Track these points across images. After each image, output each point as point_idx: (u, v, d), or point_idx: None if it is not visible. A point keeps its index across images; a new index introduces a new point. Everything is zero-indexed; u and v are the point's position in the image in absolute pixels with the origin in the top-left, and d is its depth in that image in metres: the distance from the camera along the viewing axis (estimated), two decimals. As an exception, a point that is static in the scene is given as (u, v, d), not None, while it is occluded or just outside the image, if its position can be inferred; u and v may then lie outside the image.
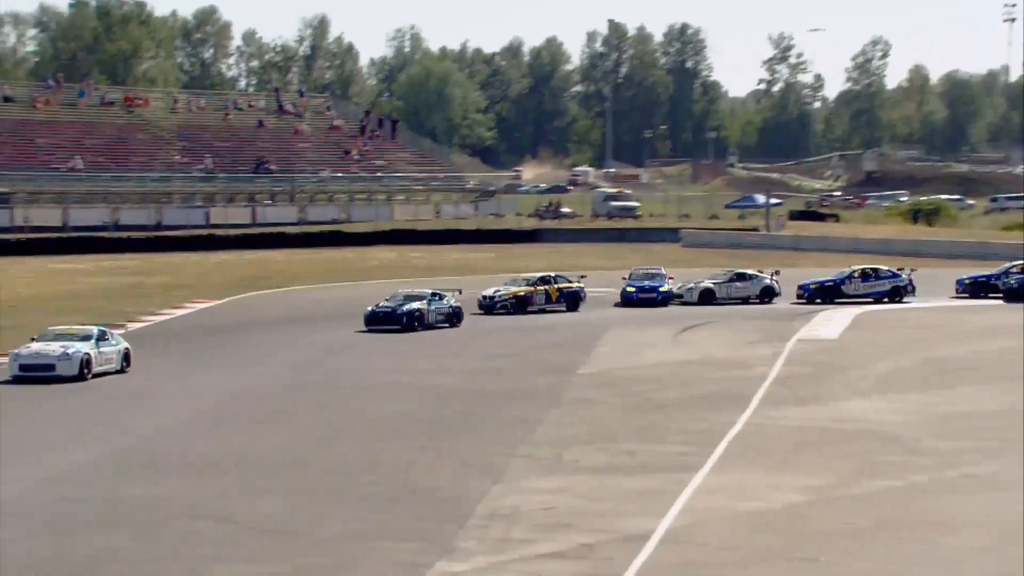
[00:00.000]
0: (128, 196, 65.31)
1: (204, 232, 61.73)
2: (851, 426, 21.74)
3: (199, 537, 15.26)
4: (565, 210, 79.12)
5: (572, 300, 38.34)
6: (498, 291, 37.59)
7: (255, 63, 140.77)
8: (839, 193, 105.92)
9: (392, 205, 73.83)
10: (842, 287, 41.19)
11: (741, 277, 41.49)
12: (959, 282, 43.75)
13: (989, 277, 43.96)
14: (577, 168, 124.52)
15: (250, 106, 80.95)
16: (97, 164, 67.01)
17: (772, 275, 41.74)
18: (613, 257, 57.40)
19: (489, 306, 37.20)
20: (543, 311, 37.64)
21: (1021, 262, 44.48)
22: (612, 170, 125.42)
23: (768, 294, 41.15)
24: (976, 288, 43.22)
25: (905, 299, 40.99)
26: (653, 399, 24.48)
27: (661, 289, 39.99)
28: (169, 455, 19.76)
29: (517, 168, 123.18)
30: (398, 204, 74.39)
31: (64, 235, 58.21)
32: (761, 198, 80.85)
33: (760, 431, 21.35)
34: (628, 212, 79.08)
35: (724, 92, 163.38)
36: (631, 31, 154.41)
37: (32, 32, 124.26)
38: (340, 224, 67.53)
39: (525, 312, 37.03)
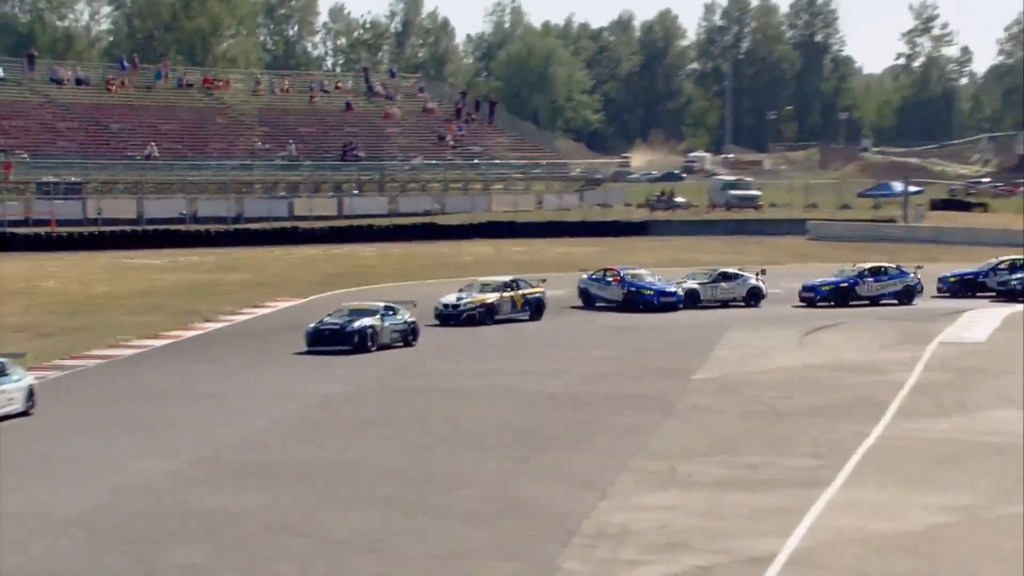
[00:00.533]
0: (206, 186, 66.42)
1: (287, 225, 62.61)
2: (999, 439, 21.39)
3: (283, 553, 15.53)
4: (679, 200, 78.74)
5: (536, 308, 36.92)
6: (461, 298, 35.78)
7: (342, 41, 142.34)
8: (988, 180, 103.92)
9: (489, 195, 74.12)
10: (855, 288, 41.08)
11: (727, 277, 40.75)
12: (942, 280, 42.78)
13: (976, 274, 43.11)
14: (692, 154, 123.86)
15: (337, 88, 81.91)
16: (173, 151, 68.32)
17: (757, 275, 41.05)
18: (731, 251, 56.98)
19: (451, 316, 35.27)
20: (511, 320, 36.13)
21: (1010, 258, 43.75)
22: (731, 156, 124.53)
23: (754, 296, 40.43)
24: (962, 287, 42.48)
25: (914, 300, 40.95)
26: (777, 407, 24.38)
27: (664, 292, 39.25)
28: (252, 464, 20.13)
29: (626, 154, 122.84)
30: (496, 194, 74.66)
31: (138, 228, 59.49)
32: (899, 186, 79.63)
33: (897, 444, 21.09)
34: (749, 202, 78.46)
35: (857, 68, 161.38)
36: (753, 2, 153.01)
37: (106, 10, 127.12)
38: (433, 216, 67.96)
39: (493, 322, 35.52)
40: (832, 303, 40.15)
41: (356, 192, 70.82)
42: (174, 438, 22.15)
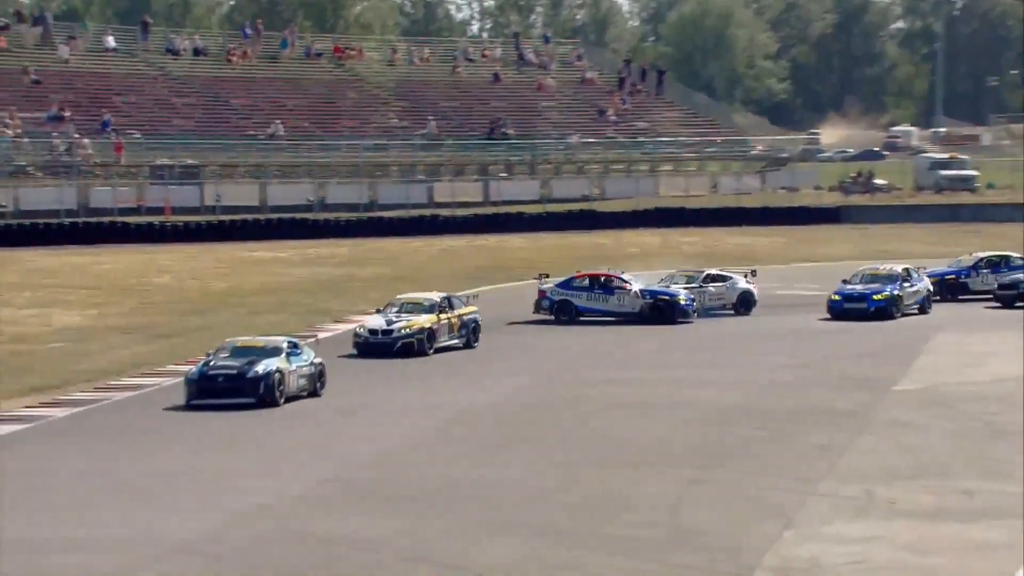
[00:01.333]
0: (336, 169, 67.40)
1: (426, 212, 63.24)
2: None
3: (419, 585, 15.67)
4: (879, 182, 77.49)
5: (472, 332, 33.21)
6: (392, 323, 31.80)
7: (490, 3, 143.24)
8: None
9: (656, 178, 73.84)
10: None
11: (714, 279, 38.84)
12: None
13: (959, 273, 41.71)
14: (895, 128, 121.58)
15: (484, 56, 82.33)
16: (300, 130, 69.40)
17: (747, 276, 39.32)
18: (940, 242, 55.89)
19: (381, 346, 31.40)
20: (446, 349, 32.46)
21: (989, 254, 42.62)
22: (942, 130, 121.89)
23: (745, 303, 38.62)
24: (942, 289, 41.15)
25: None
26: (997, 423, 23.92)
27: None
28: (384, 485, 20.36)
29: (816, 130, 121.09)
30: (664, 176, 74.37)
31: (261, 217, 60.64)
32: None
33: None
34: (963, 184, 76.83)
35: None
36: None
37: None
38: (591, 202, 67.98)
39: (431, 352, 31.79)
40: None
41: (504, 175, 71.16)
42: (298, 456, 22.49)
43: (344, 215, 61.74)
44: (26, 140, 61.22)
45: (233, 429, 24.54)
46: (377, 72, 77.09)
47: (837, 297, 38.05)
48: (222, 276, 46.77)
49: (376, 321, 32.06)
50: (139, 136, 64.47)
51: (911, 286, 38.74)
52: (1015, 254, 42.62)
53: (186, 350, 32.35)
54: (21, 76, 65.33)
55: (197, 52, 73.19)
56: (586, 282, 37.50)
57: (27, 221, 56.37)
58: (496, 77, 79.22)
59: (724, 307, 38.60)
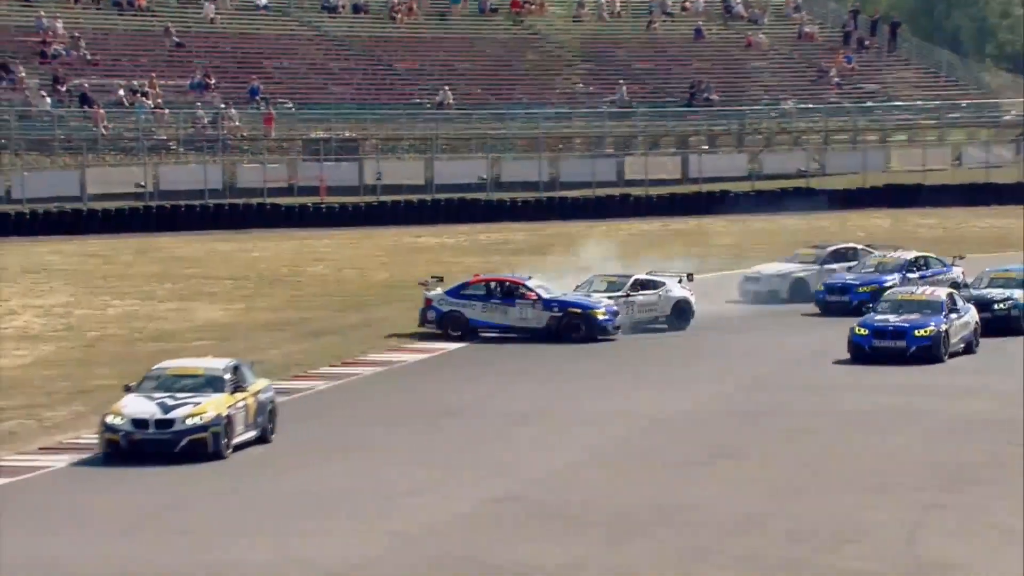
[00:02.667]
0: (512, 142, 67.59)
1: (615, 191, 63.14)
2: None
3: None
4: None
5: (268, 417, 24.97)
6: (171, 407, 23.59)
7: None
8: None
9: (887, 149, 72.69)
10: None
11: (644, 285, 36.49)
12: (830, 288, 39.14)
13: (881, 282, 38.82)
14: None
15: (684, 9, 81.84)
16: (472, 98, 69.83)
17: (681, 280, 37.37)
18: None
19: (154, 445, 23.36)
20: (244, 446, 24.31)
21: (912, 255, 40.88)
22: None
23: (681, 314, 36.26)
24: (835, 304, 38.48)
25: None
26: None
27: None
28: (563, 506, 20.43)
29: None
30: (897, 148, 73.15)
31: (427, 197, 61.14)
32: None
33: None
34: None
35: None
36: None
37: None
38: (809, 177, 67.25)
39: (222, 454, 23.63)
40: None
41: (706, 148, 70.72)
42: (466, 470, 22.74)
43: (521, 195, 61.94)
44: (167, 111, 62.58)
45: (396, 442, 24.79)
46: (560, 30, 77.13)
47: (863, 331, 32.13)
48: (383, 265, 47.30)
49: (140, 407, 23.66)
50: (291, 106, 65.43)
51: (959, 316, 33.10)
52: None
53: (342, 349, 32.87)
54: (162, 38, 66.81)
55: (357, 9, 73.97)
56: (482, 290, 35.55)
57: (167, 203, 57.59)
58: (698, 33, 78.72)
59: (656, 320, 36.40)
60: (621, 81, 72.37)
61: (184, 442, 23.34)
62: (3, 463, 22.92)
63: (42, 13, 64.38)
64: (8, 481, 21.89)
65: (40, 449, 23.94)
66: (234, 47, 68.74)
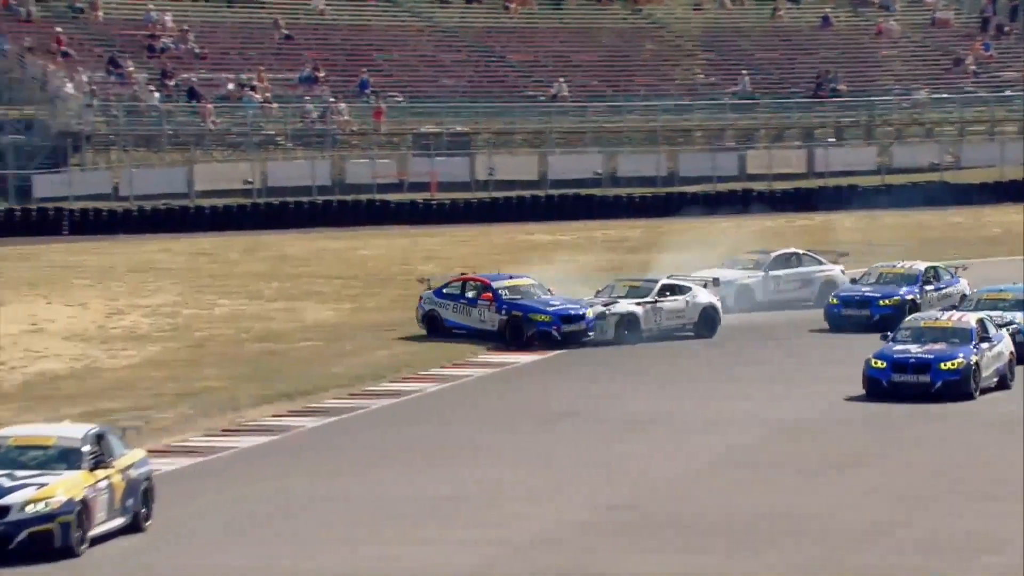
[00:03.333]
0: (629, 136, 67.43)
1: (736, 186, 62.87)
2: None
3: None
4: None
5: (142, 499, 20.59)
6: (7, 489, 19.20)
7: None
8: None
9: (1027, 141, 71.69)
10: None
11: (671, 290, 35.41)
12: (834, 307, 36.49)
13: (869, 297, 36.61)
14: None
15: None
16: (587, 90, 69.73)
17: (707, 284, 36.60)
18: None
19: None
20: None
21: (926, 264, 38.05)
22: None
23: (708, 322, 35.20)
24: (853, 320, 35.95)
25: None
26: None
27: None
28: (685, 514, 20.48)
29: None
30: (1037, 140, 72.11)
31: (540, 193, 61.21)
32: None
33: None
34: None
35: None
36: None
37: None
38: (942, 171, 66.51)
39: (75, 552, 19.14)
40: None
41: (833, 140, 70.24)
42: (579, 476, 22.82)
43: (638, 190, 61.80)
44: (275, 105, 63.18)
45: (510, 444, 24.94)
46: (680, 18, 76.83)
47: (880, 363, 28.28)
48: (496, 263, 47.26)
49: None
50: (401, 99, 65.77)
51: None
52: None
53: (455, 351, 33.03)
54: (271, 31, 67.40)
55: (469, -1, 74.22)
56: (457, 289, 35.78)
57: (275, 200, 58.20)
58: (825, 21, 78.10)
59: (684, 327, 35.41)
60: (744, 71, 71.98)
61: (22, 537, 18.89)
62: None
63: (151, 6, 65.18)
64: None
65: (148, 452, 24.29)
66: (344, 39, 69.16)
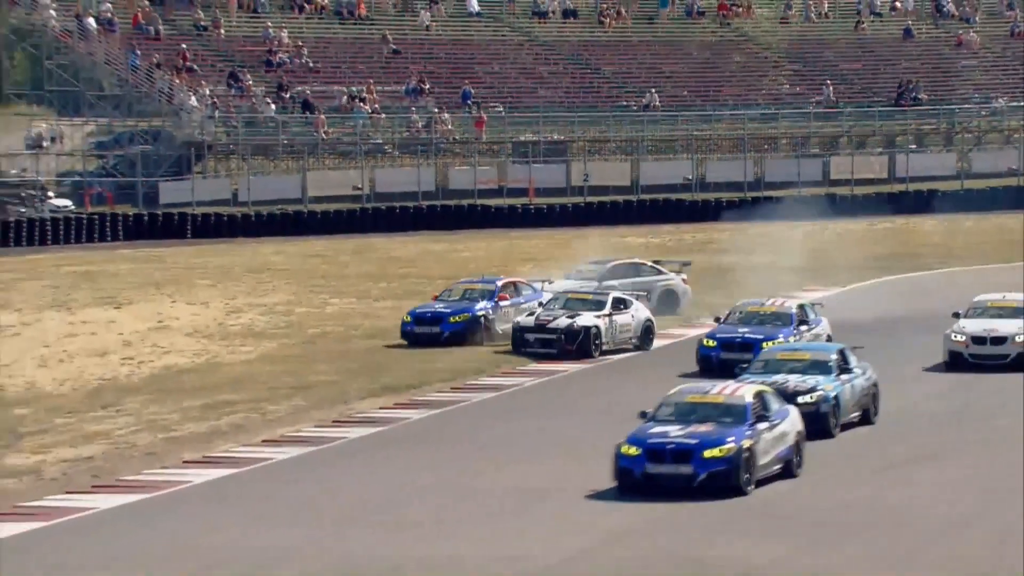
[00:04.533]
0: (718, 143, 67.34)
1: (820, 191, 62.54)
2: None
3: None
4: None
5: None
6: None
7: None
8: None
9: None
10: None
11: (620, 305, 32.93)
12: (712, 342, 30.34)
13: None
14: None
15: (894, 9, 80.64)
16: (678, 100, 69.66)
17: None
18: None
19: None
20: None
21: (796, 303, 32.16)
22: None
23: (647, 334, 33.08)
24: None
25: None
26: None
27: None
28: (772, 505, 20.45)
29: None
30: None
31: (632, 198, 61.25)
32: None
33: None
34: None
35: None
36: None
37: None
38: (1021, 176, 65.87)
39: None
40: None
41: (914, 147, 69.71)
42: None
43: (725, 195, 61.77)
44: (383, 116, 63.63)
45: (605, 436, 24.87)
46: (767, 31, 76.59)
47: (634, 450, 21.29)
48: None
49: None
50: (501, 110, 66.03)
51: None
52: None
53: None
54: (380, 46, 67.87)
55: (567, 14, 74.20)
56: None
57: (383, 204, 58.67)
58: (908, 33, 77.55)
59: (628, 340, 33.08)
60: (828, 81, 71.65)
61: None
62: (230, 454, 23.60)
63: (268, 24, 65.93)
64: (232, 472, 22.50)
65: (263, 441, 24.57)
66: (448, 53, 69.54)
